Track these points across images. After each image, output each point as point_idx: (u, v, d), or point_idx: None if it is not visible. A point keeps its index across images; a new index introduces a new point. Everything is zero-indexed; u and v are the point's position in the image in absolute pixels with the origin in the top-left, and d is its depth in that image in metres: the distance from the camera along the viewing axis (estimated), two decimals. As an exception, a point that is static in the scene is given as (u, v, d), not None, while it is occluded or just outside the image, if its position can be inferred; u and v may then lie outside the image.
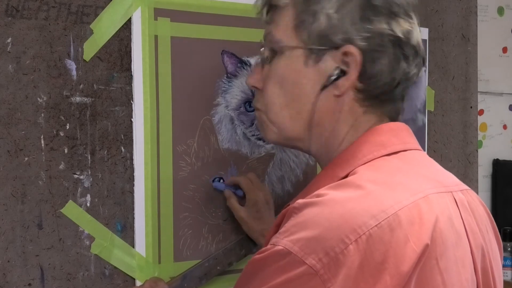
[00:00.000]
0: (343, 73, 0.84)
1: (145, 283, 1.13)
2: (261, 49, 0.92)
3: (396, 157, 0.85)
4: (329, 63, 0.84)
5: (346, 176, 0.83)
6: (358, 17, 0.83)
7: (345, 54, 0.83)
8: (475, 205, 0.89)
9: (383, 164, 0.83)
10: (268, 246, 0.77)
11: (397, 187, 0.79)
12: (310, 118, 0.87)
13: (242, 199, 1.24)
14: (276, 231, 0.81)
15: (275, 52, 0.89)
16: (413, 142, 0.89)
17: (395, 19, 0.84)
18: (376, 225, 0.73)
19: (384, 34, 0.83)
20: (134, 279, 1.17)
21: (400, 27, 0.84)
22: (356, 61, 0.83)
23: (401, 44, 0.84)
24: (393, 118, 0.89)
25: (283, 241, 0.75)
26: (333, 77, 0.84)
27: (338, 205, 0.76)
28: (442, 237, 0.78)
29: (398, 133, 0.88)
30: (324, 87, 0.85)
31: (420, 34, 0.88)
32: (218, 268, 1.22)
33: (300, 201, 0.79)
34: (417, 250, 0.74)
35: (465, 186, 0.89)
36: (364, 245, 0.72)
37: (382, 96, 0.86)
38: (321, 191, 0.79)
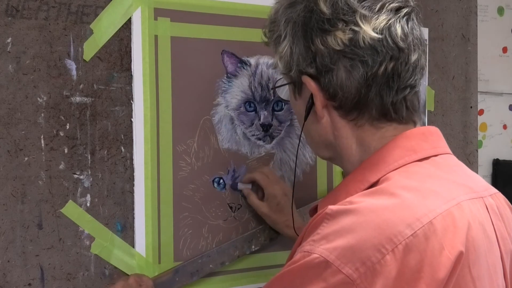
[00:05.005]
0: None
1: (130, 277, 1.13)
2: None
3: (428, 162, 0.85)
4: (306, 93, 0.91)
5: (377, 181, 0.84)
6: (303, 47, 0.88)
7: (305, 83, 0.89)
8: (504, 209, 0.90)
9: (415, 170, 0.84)
10: (303, 254, 0.77)
11: (430, 194, 0.80)
12: (321, 141, 0.93)
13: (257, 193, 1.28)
14: (303, 235, 0.81)
15: None
16: (443, 146, 0.90)
17: (329, 34, 0.85)
18: (411, 234, 0.74)
19: (323, 53, 0.86)
20: (134, 279, 1.17)
21: (337, 40, 0.85)
22: (312, 87, 0.88)
23: (346, 55, 0.85)
24: (393, 116, 0.88)
25: (318, 249, 0.76)
26: (308, 105, 0.90)
27: (373, 213, 0.76)
28: (474, 245, 0.79)
29: (428, 137, 0.88)
30: (306, 115, 0.92)
31: (383, 27, 0.85)
32: (210, 266, 1.22)
33: (333, 207, 0.79)
34: (451, 258, 0.75)
35: (494, 190, 0.90)
36: (400, 255, 0.73)
37: (359, 104, 0.87)
38: (354, 198, 0.80)
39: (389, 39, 0.85)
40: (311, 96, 0.89)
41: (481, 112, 1.76)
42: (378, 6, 0.85)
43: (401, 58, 0.85)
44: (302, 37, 0.88)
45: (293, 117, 1.33)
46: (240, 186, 1.27)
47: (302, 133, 0.97)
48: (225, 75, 1.26)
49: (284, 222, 1.23)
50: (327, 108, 0.89)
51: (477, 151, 1.71)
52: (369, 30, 0.84)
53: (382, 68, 0.85)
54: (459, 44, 1.66)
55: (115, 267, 1.15)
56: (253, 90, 1.28)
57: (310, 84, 0.88)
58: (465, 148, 1.68)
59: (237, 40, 1.27)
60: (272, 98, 1.30)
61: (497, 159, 1.83)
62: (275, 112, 1.30)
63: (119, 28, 1.15)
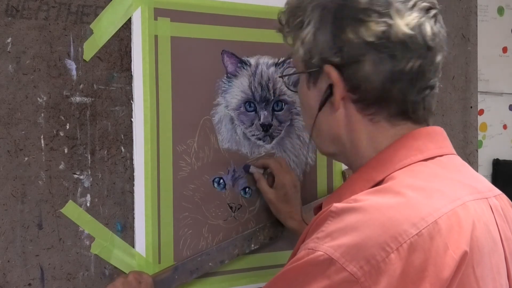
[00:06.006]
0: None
1: (129, 274, 1.13)
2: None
3: (433, 162, 0.85)
4: (323, 83, 0.89)
5: (382, 180, 0.83)
6: (330, 35, 0.86)
7: (327, 73, 0.87)
8: (507, 210, 0.90)
9: (420, 169, 0.84)
10: (307, 251, 0.77)
11: (435, 194, 0.79)
12: (329, 135, 0.91)
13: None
14: (306, 233, 0.81)
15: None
16: (448, 146, 0.90)
17: (363, 24, 0.84)
18: (416, 234, 0.74)
19: (353, 43, 0.84)
20: (134, 279, 1.17)
21: (370, 31, 0.83)
22: (334, 77, 0.86)
23: (376, 47, 0.84)
24: (410, 115, 0.88)
25: (323, 247, 0.75)
26: (325, 96, 0.88)
27: (378, 212, 0.76)
28: (479, 245, 0.79)
29: (434, 138, 0.88)
30: (321, 106, 0.89)
31: (415, 24, 0.85)
32: (210, 264, 1.22)
33: (337, 205, 0.79)
34: (456, 258, 0.75)
35: (498, 191, 0.90)
36: (405, 254, 0.73)
37: (381, 99, 0.86)
38: (359, 196, 0.80)
39: (419, 37, 0.84)
40: (329, 86, 0.87)
41: (481, 112, 1.76)
42: (411, 3, 0.85)
43: (428, 58, 0.85)
44: (331, 25, 0.86)
45: (293, 117, 1.33)
46: (252, 169, 1.28)
47: (306, 124, 0.95)
48: (225, 75, 1.26)
49: (288, 212, 1.24)
50: (345, 100, 0.87)
51: (477, 151, 1.71)
52: (402, 25, 0.83)
53: (409, 65, 0.84)
54: (459, 44, 1.66)
55: (115, 267, 1.15)
56: (253, 90, 1.28)
57: (333, 74, 0.86)
58: (465, 148, 1.68)
59: (237, 40, 1.27)
60: (272, 98, 1.30)
61: (497, 159, 1.83)
62: (275, 112, 1.30)
63: (119, 28, 1.15)
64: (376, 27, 0.83)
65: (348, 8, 0.85)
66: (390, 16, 0.83)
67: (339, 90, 0.86)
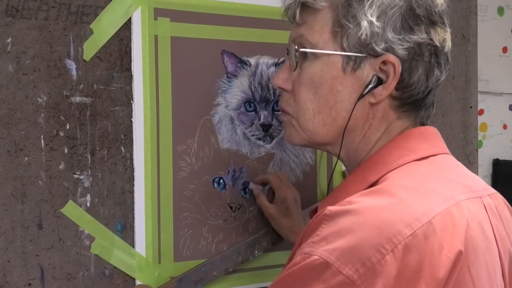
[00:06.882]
0: (380, 81, 0.85)
1: None
2: (291, 51, 0.90)
3: (426, 162, 0.85)
4: (367, 71, 0.85)
5: (376, 181, 0.84)
6: (400, 25, 0.84)
7: (384, 63, 0.84)
8: (502, 209, 0.90)
9: (414, 169, 0.84)
10: (303, 256, 0.77)
11: (429, 193, 0.80)
12: (344, 124, 0.88)
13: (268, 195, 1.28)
14: (302, 237, 0.81)
15: (307, 55, 0.89)
16: (442, 145, 0.90)
17: (433, 27, 0.86)
18: (411, 234, 0.74)
19: (424, 43, 0.85)
20: (134, 279, 1.17)
21: (437, 35, 0.86)
22: (396, 70, 0.84)
23: (437, 53, 0.86)
24: (423, 123, 0.91)
25: (318, 251, 0.75)
26: (371, 86, 0.85)
27: (372, 214, 0.76)
28: (473, 244, 0.79)
29: (427, 137, 0.89)
30: (361, 95, 0.85)
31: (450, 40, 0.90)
32: (214, 273, 1.22)
33: (331, 208, 0.78)
34: (451, 257, 0.75)
35: (492, 190, 0.91)
36: (400, 255, 0.73)
37: (416, 103, 0.87)
38: (353, 198, 0.80)
39: (448, 53, 0.89)
40: (375, 77, 0.85)
41: (481, 112, 1.76)
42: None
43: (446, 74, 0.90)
44: (406, 17, 0.84)
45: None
46: (252, 186, 1.28)
47: (305, 107, 0.89)
48: (225, 75, 1.26)
49: (289, 227, 1.23)
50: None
51: (477, 151, 1.71)
52: (449, 39, 0.88)
53: (444, 76, 0.88)
54: (459, 44, 1.66)
55: (115, 267, 1.15)
56: (253, 90, 1.28)
57: (397, 66, 0.84)
58: (465, 148, 1.68)
59: (237, 40, 1.27)
60: (272, 98, 1.30)
61: (497, 159, 1.83)
62: (275, 112, 1.30)
63: (119, 28, 1.15)
64: (442, 33, 0.86)
65: (425, 7, 0.86)
66: (447, 26, 0.88)
67: (393, 84, 0.85)
